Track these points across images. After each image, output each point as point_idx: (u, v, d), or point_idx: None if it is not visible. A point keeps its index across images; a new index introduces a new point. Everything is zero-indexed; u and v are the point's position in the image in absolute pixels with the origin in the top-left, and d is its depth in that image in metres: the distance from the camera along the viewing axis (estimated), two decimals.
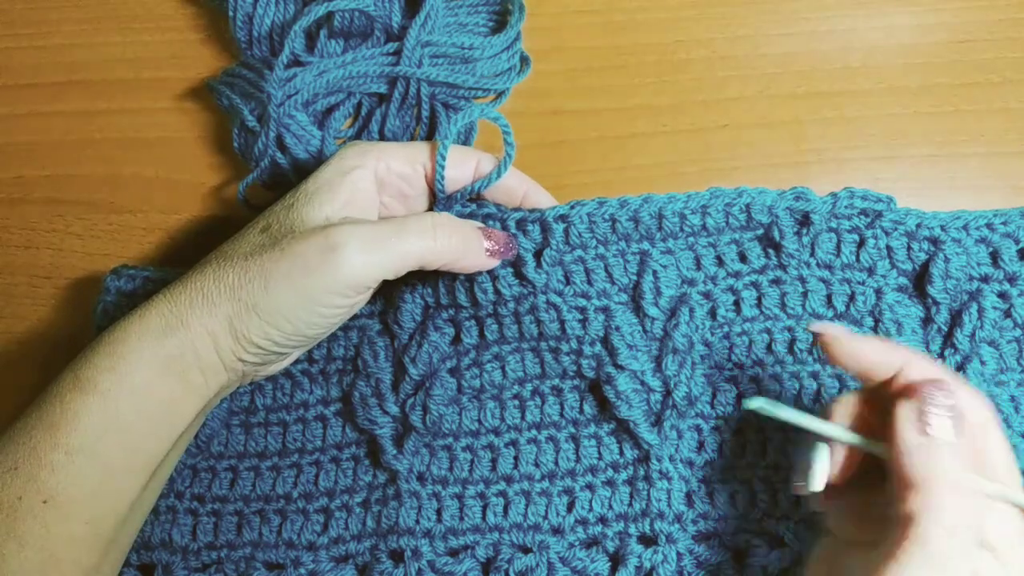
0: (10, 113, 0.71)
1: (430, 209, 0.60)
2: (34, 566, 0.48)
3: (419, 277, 0.60)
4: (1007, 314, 0.58)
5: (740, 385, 0.60)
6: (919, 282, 0.59)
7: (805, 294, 0.58)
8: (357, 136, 0.67)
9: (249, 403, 0.63)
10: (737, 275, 0.59)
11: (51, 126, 0.71)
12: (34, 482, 0.48)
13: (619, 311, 0.59)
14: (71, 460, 0.49)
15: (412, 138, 0.67)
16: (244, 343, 0.52)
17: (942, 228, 0.58)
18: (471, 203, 0.59)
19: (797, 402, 0.59)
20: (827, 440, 0.48)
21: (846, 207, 0.58)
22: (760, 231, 0.58)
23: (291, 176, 0.64)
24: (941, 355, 0.58)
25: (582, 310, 0.58)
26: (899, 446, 0.45)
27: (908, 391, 0.46)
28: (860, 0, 0.69)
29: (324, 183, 0.55)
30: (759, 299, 0.59)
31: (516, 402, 0.61)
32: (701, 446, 0.60)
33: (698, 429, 0.60)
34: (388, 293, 0.62)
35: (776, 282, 0.59)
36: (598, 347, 0.59)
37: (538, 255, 0.58)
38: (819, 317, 0.59)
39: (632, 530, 0.59)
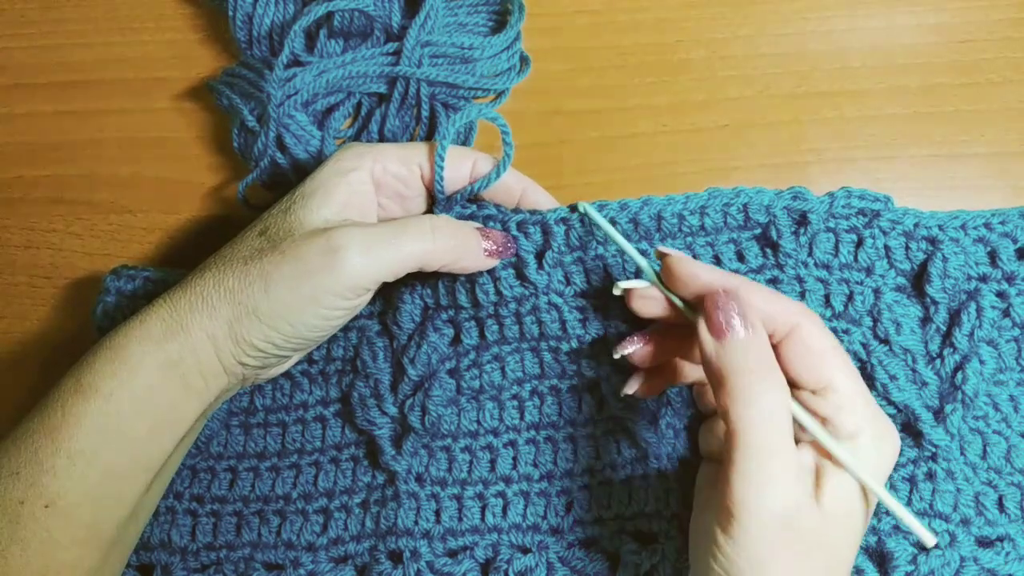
0: (10, 113, 0.71)
1: (429, 210, 0.60)
2: (36, 568, 0.48)
3: (419, 278, 0.60)
4: (1005, 313, 0.58)
5: None
6: (917, 282, 0.59)
7: (803, 294, 0.58)
8: (357, 136, 0.67)
9: (248, 404, 0.63)
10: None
11: (51, 126, 0.71)
12: (36, 486, 0.48)
13: (618, 310, 0.59)
14: (73, 464, 0.49)
15: (412, 138, 0.67)
16: (245, 346, 0.52)
17: (940, 228, 0.58)
18: (471, 204, 0.59)
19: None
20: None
21: (844, 207, 0.58)
22: (758, 231, 0.58)
23: (291, 176, 0.65)
24: (940, 355, 0.58)
25: (582, 310, 0.58)
26: (702, 353, 0.48)
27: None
28: (860, 0, 0.69)
29: (321, 185, 0.55)
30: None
31: (515, 403, 0.61)
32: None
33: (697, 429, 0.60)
34: (387, 294, 0.62)
35: (773, 281, 0.59)
36: (598, 347, 0.59)
37: (539, 256, 0.58)
38: None
39: (629, 529, 0.59)
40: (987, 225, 0.58)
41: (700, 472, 0.55)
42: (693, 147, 0.68)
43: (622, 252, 0.57)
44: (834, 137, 0.67)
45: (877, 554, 0.58)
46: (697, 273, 0.50)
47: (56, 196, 0.70)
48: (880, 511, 0.57)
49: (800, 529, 0.45)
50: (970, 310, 0.58)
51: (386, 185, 0.57)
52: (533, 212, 0.58)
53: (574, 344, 0.59)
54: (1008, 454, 0.58)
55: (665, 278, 0.52)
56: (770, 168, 0.67)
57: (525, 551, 0.59)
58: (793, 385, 0.49)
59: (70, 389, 0.50)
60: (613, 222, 0.58)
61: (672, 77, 0.69)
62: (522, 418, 0.61)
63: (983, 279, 0.58)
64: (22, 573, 0.48)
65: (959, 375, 0.57)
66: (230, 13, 0.65)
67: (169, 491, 0.61)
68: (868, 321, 0.58)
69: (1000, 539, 0.57)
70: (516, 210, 0.59)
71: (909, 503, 0.58)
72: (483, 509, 0.60)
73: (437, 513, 0.60)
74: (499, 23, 0.67)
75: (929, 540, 0.48)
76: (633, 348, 0.54)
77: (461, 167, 0.58)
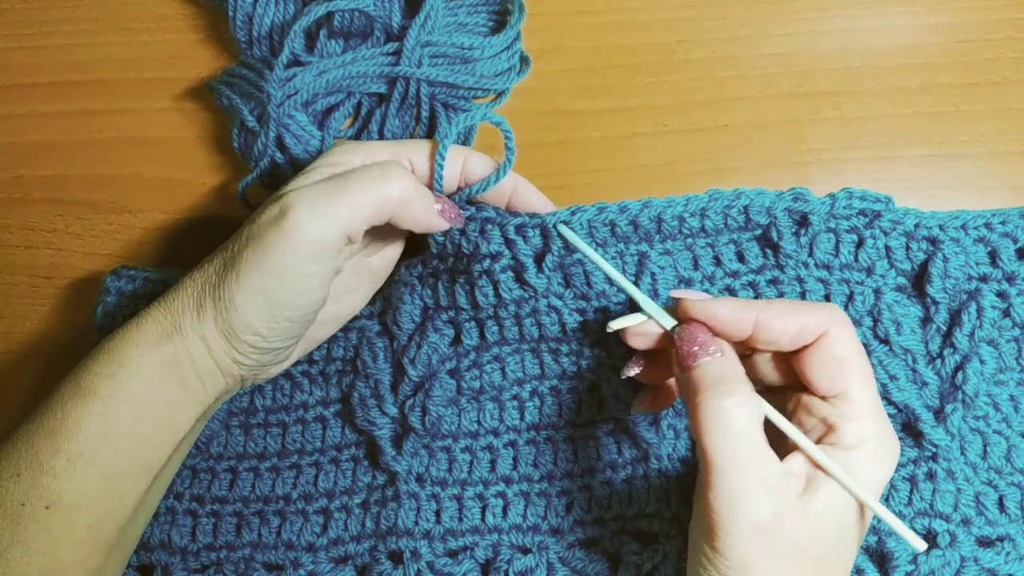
0: (10, 113, 0.71)
1: None
2: (37, 570, 0.49)
3: (419, 278, 0.60)
4: (1006, 313, 0.58)
5: None
6: (918, 282, 0.59)
7: (803, 294, 0.58)
8: (356, 136, 0.67)
9: (248, 404, 0.63)
10: (735, 275, 0.59)
11: (51, 126, 0.71)
12: (37, 488, 0.49)
13: (618, 312, 0.59)
14: (73, 466, 0.49)
15: (411, 138, 0.67)
16: (235, 342, 0.52)
17: (940, 228, 0.58)
18: (470, 206, 0.59)
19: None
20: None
21: (844, 207, 0.58)
22: (758, 232, 0.58)
23: (290, 176, 0.64)
24: (940, 355, 0.58)
25: (582, 311, 0.58)
26: (676, 380, 0.50)
27: None
28: (860, 0, 0.69)
29: (305, 177, 0.55)
30: (756, 299, 0.59)
31: (515, 403, 0.61)
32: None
33: None
34: (388, 294, 0.62)
35: (774, 282, 0.59)
36: (598, 348, 0.59)
37: (538, 260, 0.58)
38: None
39: (630, 529, 0.59)
40: (987, 225, 0.58)
41: (696, 484, 0.56)
42: (693, 147, 0.68)
43: (609, 279, 0.57)
44: (834, 137, 0.67)
45: (877, 554, 0.58)
46: (715, 313, 0.50)
47: (56, 196, 0.70)
48: None
49: (783, 536, 0.45)
50: (970, 310, 0.58)
51: None
52: (532, 215, 0.57)
53: (574, 346, 0.59)
54: (1008, 454, 0.58)
55: (683, 321, 0.52)
56: (770, 168, 0.67)
57: (525, 551, 0.59)
58: (807, 390, 0.50)
59: (69, 392, 0.51)
60: (626, 239, 0.58)
61: (672, 77, 0.69)
62: (522, 419, 0.61)
63: (983, 279, 0.58)
64: (24, 573, 0.48)
65: (959, 375, 0.58)
66: (230, 13, 0.65)
67: (169, 491, 0.61)
68: (869, 321, 0.59)
69: (1000, 539, 0.58)
70: (515, 213, 0.58)
71: (909, 503, 0.58)
72: (483, 509, 0.60)
73: (437, 513, 0.60)
74: (499, 23, 0.67)
75: (919, 545, 0.48)
76: (638, 370, 0.55)
77: (453, 165, 0.58)
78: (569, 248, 0.57)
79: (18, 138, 0.71)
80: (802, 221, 0.57)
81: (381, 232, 0.58)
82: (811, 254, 0.58)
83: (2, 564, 0.48)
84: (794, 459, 0.47)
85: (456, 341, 0.61)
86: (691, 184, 0.67)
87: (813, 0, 0.69)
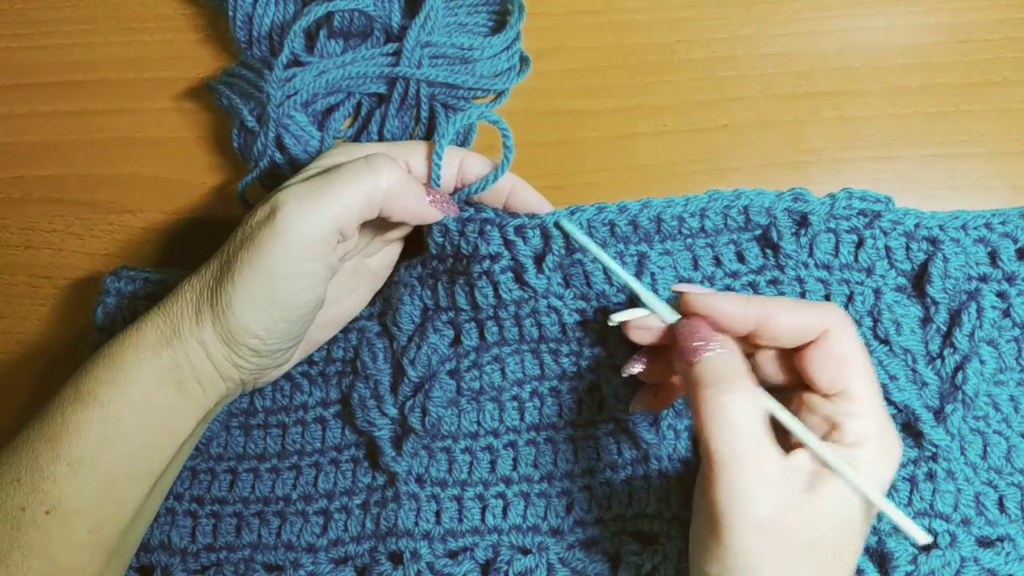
0: (10, 113, 0.71)
1: None
2: (37, 575, 0.49)
3: (419, 279, 0.60)
4: (1006, 313, 0.58)
5: None
6: (918, 282, 0.59)
7: (803, 294, 0.58)
8: (356, 136, 0.66)
9: (248, 405, 0.63)
10: (735, 275, 0.59)
11: (51, 126, 0.71)
12: (37, 493, 0.49)
13: (619, 310, 0.59)
14: (73, 471, 0.49)
15: (411, 139, 0.67)
16: (234, 346, 0.52)
17: (940, 228, 0.58)
18: (469, 207, 0.59)
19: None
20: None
21: (844, 207, 0.58)
22: (758, 232, 0.58)
23: (289, 176, 0.64)
24: (940, 355, 0.58)
25: (582, 312, 0.58)
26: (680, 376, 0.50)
27: None
28: (860, 0, 0.69)
29: (299, 178, 0.55)
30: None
31: (515, 404, 0.61)
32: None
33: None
34: (387, 295, 0.62)
35: (774, 282, 0.59)
36: (598, 348, 0.59)
37: (538, 260, 0.57)
38: None
39: (631, 530, 0.59)
40: (988, 225, 0.58)
41: (696, 480, 0.56)
42: (693, 147, 0.68)
43: (609, 275, 0.57)
44: (834, 137, 0.67)
45: (877, 554, 0.58)
46: (717, 307, 0.50)
47: (56, 196, 0.70)
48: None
49: (787, 530, 0.45)
50: (970, 310, 0.58)
51: None
52: (532, 216, 0.57)
53: (574, 346, 0.59)
54: (1008, 454, 0.58)
55: (685, 315, 0.52)
56: (770, 168, 0.67)
57: (525, 552, 0.59)
58: (809, 388, 0.50)
59: (69, 397, 0.51)
60: (625, 239, 0.58)
61: (672, 77, 0.69)
62: (522, 419, 0.61)
63: (983, 279, 0.58)
64: None
65: (959, 375, 0.58)
66: (230, 13, 0.65)
67: (169, 492, 0.61)
68: (868, 321, 0.59)
69: (1000, 539, 0.58)
70: (513, 214, 0.58)
71: (910, 503, 0.58)
72: (483, 510, 0.60)
73: (437, 514, 0.60)
74: (499, 23, 0.67)
75: (923, 538, 0.48)
76: (640, 367, 0.55)
77: (449, 165, 0.58)
78: (571, 244, 0.56)
79: (18, 138, 0.71)
80: (802, 221, 0.57)
81: (379, 233, 0.58)
82: (811, 254, 0.58)
83: (3, 569, 0.48)
84: (798, 455, 0.47)
85: (456, 342, 0.61)
86: (691, 184, 0.67)
87: (813, 0, 0.69)
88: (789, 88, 0.68)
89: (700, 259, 0.59)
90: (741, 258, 0.59)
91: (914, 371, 0.58)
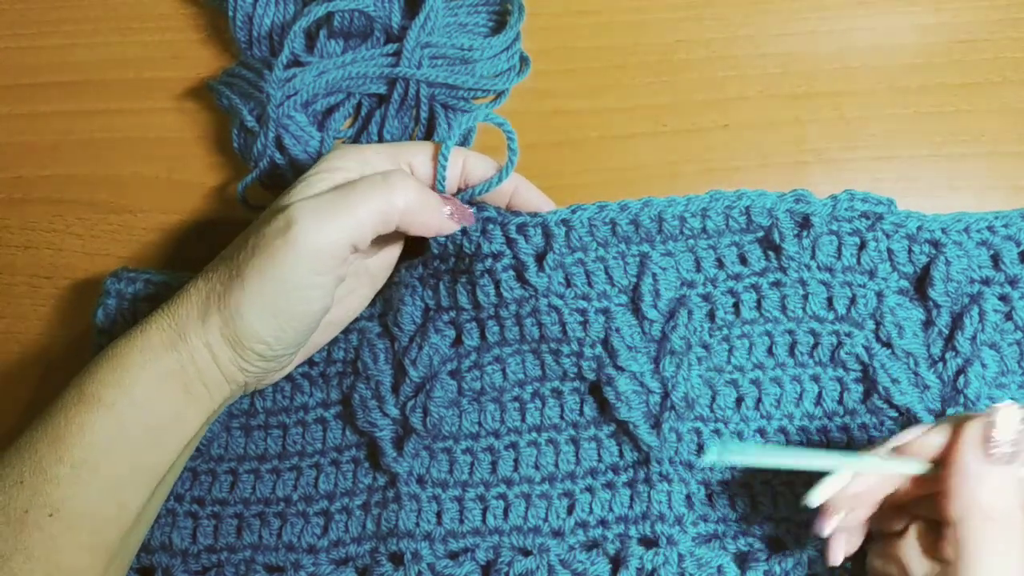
0: (10, 113, 0.71)
1: None
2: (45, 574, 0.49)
3: (420, 279, 0.60)
4: (1008, 317, 0.58)
5: (740, 388, 0.60)
6: (920, 285, 0.59)
7: (806, 296, 0.58)
8: (356, 137, 0.66)
9: (249, 406, 0.63)
10: (737, 277, 0.59)
11: (51, 126, 0.71)
12: (39, 495, 0.48)
13: (619, 313, 0.59)
14: (76, 473, 0.49)
15: (411, 139, 0.67)
16: (241, 350, 0.52)
17: (943, 231, 0.58)
18: (471, 206, 0.59)
19: (799, 406, 0.59)
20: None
21: (847, 209, 0.58)
22: (760, 233, 0.58)
23: (290, 176, 0.64)
24: (942, 358, 0.58)
25: (583, 312, 0.58)
26: (959, 470, 0.46)
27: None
28: (860, 0, 0.69)
29: (307, 185, 0.55)
30: (759, 302, 0.59)
31: (516, 404, 0.61)
32: (700, 448, 0.59)
33: (697, 432, 0.60)
34: (388, 296, 0.62)
35: (776, 284, 0.59)
36: (599, 349, 0.59)
37: (539, 259, 0.58)
38: (820, 320, 0.59)
39: (633, 532, 0.59)
40: (990, 228, 0.58)
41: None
42: (693, 147, 0.68)
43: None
44: (834, 137, 0.67)
45: None
46: (938, 442, 0.49)
47: (56, 196, 0.70)
48: None
49: None
50: (972, 313, 0.58)
51: None
52: (534, 214, 0.58)
53: (574, 347, 0.59)
54: None
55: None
56: (770, 168, 0.67)
57: (526, 553, 0.59)
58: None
59: (73, 398, 0.50)
60: (627, 239, 0.58)
61: (672, 77, 0.69)
62: (523, 420, 0.61)
63: (986, 282, 0.58)
64: None
65: (961, 378, 0.57)
66: (230, 13, 0.65)
67: (170, 494, 0.61)
68: (871, 324, 0.59)
69: None
70: (516, 212, 0.58)
71: None
72: (484, 511, 0.60)
73: (438, 515, 0.60)
74: (499, 23, 0.67)
75: None
76: (838, 524, 0.51)
77: (453, 166, 0.58)
78: (572, 244, 0.57)
79: (18, 138, 0.71)
80: (804, 223, 0.57)
81: (385, 238, 0.59)
82: (813, 256, 0.58)
83: (5, 571, 0.48)
84: None
85: (457, 342, 0.61)
86: (691, 184, 0.67)
87: (813, 0, 0.69)
88: (789, 88, 0.68)
89: (703, 260, 0.59)
90: (744, 260, 0.59)
91: (916, 374, 0.58)
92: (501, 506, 0.60)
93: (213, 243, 0.56)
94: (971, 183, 0.66)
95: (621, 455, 0.60)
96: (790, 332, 0.59)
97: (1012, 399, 0.58)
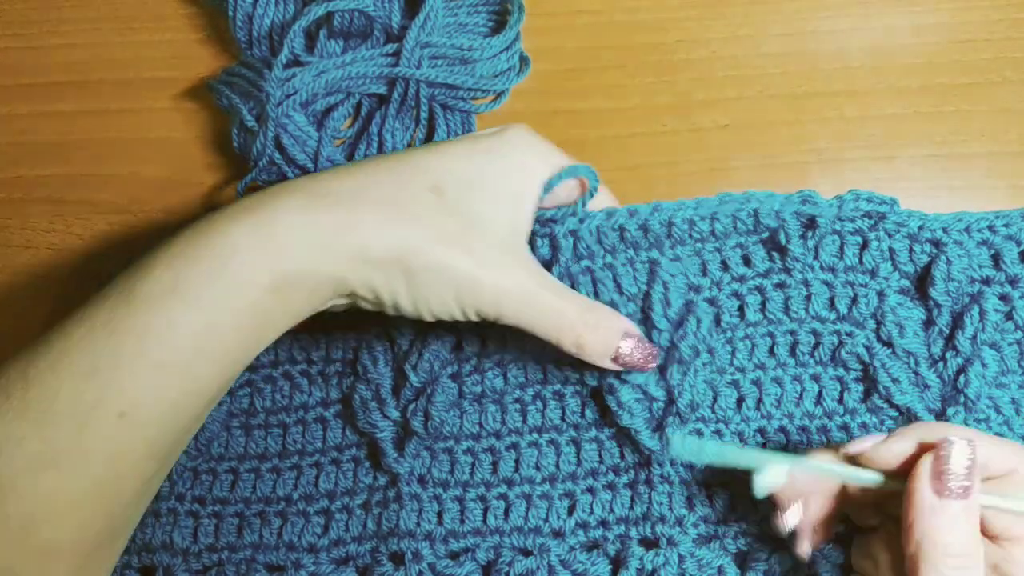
0: (10, 113, 0.71)
1: None
2: (93, 482, 0.44)
3: None
4: (1008, 316, 0.58)
5: (741, 389, 0.60)
6: (921, 284, 0.59)
7: (808, 297, 0.58)
8: (356, 137, 0.66)
9: (248, 405, 0.63)
10: (741, 279, 0.59)
11: (51, 126, 0.71)
12: (112, 390, 0.43)
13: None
14: (155, 375, 0.44)
15: (411, 140, 0.66)
16: (425, 276, 0.49)
17: (944, 230, 0.58)
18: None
19: (799, 405, 0.59)
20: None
21: (852, 209, 0.58)
22: (765, 234, 0.58)
23: (289, 176, 0.64)
24: (943, 358, 0.58)
25: None
26: (913, 504, 0.46)
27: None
28: (860, 0, 0.69)
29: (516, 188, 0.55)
30: (763, 303, 0.59)
31: (517, 406, 0.61)
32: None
33: (698, 432, 0.60)
34: None
35: (780, 286, 0.59)
36: None
37: (546, 268, 0.57)
38: (822, 320, 0.59)
39: (633, 533, 0.59)
40: (991, 228, 0.58)
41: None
42: (693, 147, 0.68)
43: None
44: (834, 137, 0.67)
45: None
46: (888, 449, 0.48)
47: (56, 196, 0.70)
48: None
49: None
50: (973, 313, 0.58)
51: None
52: (544, 223, 0.57)
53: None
54: None
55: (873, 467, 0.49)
56: (770, 168, 0.67)
57: (527, 553, 0.59)
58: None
59: (167, 286, 0.45)
60: (635, 245, 0.58)
61: (672, 77, 0.69)
62: (525, 421, 0.61)
63: (986, 282, 0.58)
64: (79, 488, 0.44)
65: (961, 378, 0.57)
66: (230, 13, 0.65)
67: (171, 493, 0.61)
68: (872, 324, 0.59)
69: None
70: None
71: None
72: (485, 511, 0.60)
73: (439, 515, 0.60)
74: (499, 23, 0.67)
75: None
76: (798, 519, 0.51)
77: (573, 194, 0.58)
78: (580, 252, 0.58)
79: (18, 138, 0.71)
80: (809, 224, 0.57)
81: None
82: (816, 256, 0.58)
83: (56, 473, 0.43)
84: None
85: (458, 347, 0.61)
86: (691, 184, 0.67)
87: (813, 0, 0.69)
88: (789, 88, 0.68)
89: (708, 263, 0.59)
90: (747, 261, 0.59)
91: (916, 374, 0.58)
92: (502, 506, 0.60)
93: None
94: (971, 183, 0.66)
95: (622, 456, 0.60)
96: (792, 332, 0.59)
97: (1012, 399, 0.58)
